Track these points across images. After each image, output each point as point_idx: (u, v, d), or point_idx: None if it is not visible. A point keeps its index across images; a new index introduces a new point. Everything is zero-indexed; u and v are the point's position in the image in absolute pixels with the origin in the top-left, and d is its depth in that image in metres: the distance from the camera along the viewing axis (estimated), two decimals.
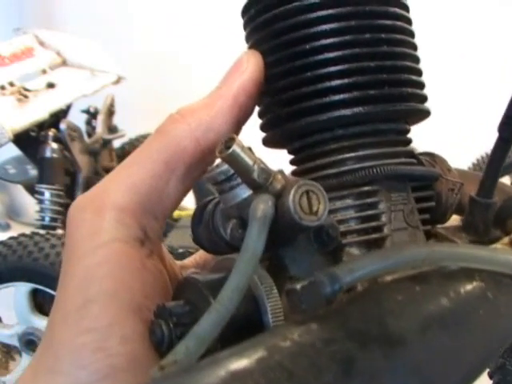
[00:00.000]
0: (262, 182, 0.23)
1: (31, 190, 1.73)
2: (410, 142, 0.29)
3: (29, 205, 1.81)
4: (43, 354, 0.24)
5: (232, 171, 0.24)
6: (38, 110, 1.55)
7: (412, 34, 0.29)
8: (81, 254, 0.25)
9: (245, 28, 0.30)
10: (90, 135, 1.76)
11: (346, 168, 0.27)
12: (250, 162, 0.23)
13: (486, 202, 0.28)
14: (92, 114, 1.78)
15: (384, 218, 0.26)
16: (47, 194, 1.57)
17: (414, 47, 0.29)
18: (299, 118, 0.27)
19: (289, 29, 0.27)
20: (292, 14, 0.27)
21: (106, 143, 1.74)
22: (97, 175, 1.68)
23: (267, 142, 0.30)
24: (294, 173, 0.29)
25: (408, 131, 0.29)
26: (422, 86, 0.29)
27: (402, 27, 0.28)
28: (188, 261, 0.33)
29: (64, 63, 1.82)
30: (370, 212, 0.26)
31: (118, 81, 1.83)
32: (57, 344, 0.24)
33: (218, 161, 0.25)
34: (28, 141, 1.59)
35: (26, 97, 1.57)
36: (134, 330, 0.24)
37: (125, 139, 1.92)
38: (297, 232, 0.24)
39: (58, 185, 1.58)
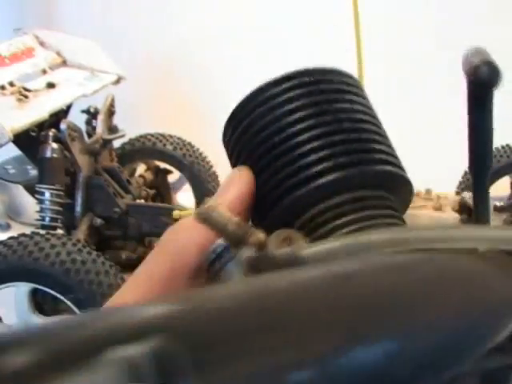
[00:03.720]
0: (240, 237, 0.24)
1: (31, 190, 1.73)
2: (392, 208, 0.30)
3: (29, 205, 1.81)
4: None
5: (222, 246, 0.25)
6: (38, 110, 1.55)
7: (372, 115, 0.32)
8: None
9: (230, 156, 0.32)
10: (90, 135, 1.75)
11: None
12: (222, 220, 0.25)
13: None
14: (92, 114, 1.78)
15: None
16: (47, 194, 1.57)
17: (375, 124, 0.31)
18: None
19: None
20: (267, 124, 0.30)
21: (106, 143, 1.74)
22: (97, 175, 1.68)
23: None
24: None
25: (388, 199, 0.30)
26: (389, 154, 0.31)
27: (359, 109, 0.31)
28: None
29: (64, 63, 1.82)
30: None
31: (118, 81, 1.83)
32: None
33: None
34: (28, 141, 1.58)
35: (26, 97, 1.57)
36: None
37: (125, 139, 1.92)
38: None
39: (58, 185, 1.58)
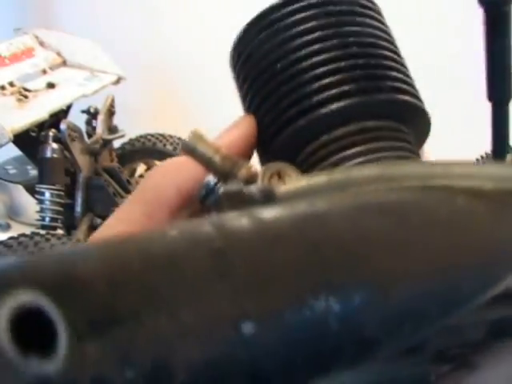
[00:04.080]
0: (227, 170, 0.23)
1: (31, 190, 1.73)
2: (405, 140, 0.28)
3: (29, 205, 1.81)
4: None
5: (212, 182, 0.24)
6: (38, 110, 1.54)
7: (387, 39, 0.29)
8: None
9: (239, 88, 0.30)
10: (90, 135, 1.75)
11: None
12: (209, 152, 0.23)
13: None
14: (92, 115, 1.78)
15: None
16: (47, 194, 1.57)
17: (391, 50, 0.29)
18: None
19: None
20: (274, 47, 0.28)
21: (106, 143, 1.74)
22: (97, 175, 1.68)
23: None
24: None
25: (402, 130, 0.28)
26: (403, 81, 0.28)
27: (371, 32, 0.28)
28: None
29: (64, 63, 1.82)
30: None
31: (118, 81, 1.83)
32: None
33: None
34: (28, 141, 1.58)
35: (26, 97, 1.57)
36: None
37: (125, 139, 1.92)
38: None
39: (58, 185, 1.58)
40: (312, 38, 0.27)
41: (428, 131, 0.29)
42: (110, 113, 1.79)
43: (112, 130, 1.79)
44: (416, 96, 0.28)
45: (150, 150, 1.95)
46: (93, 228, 1.64)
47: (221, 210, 0.23)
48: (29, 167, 1.94)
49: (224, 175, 0.23)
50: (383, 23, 0.29)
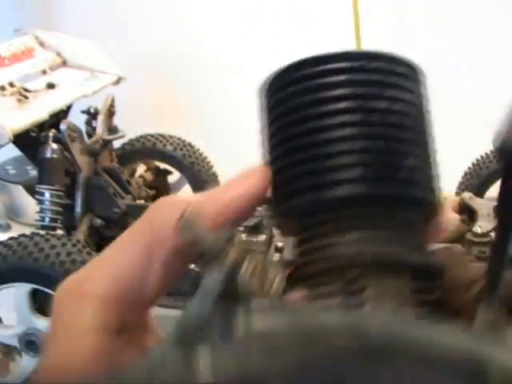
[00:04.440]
0: (214, 253, 0.23)
1: (31, 190, 1.73)
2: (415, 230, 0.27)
3: (29, 205, 1.81)
4: None
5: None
6: (38, 111, 1.55)
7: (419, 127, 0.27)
8: (57, 342, 0.26)
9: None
10: (90, 136, 1.75)
11: (332, 253, 0.25)
12: (201, 233, 0.23)
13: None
14: (92, 115, 1.78)
15: (368, 307, 0.23)
16: (47, 195, 1.57)
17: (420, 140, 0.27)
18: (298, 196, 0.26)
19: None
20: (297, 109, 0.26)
21: (106, 144, 1.74)
22: (97, 175, 1.68)
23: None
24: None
25: (411, 222, 0.26)
26: (420, 171, 0.26)
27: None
28: None
29: (64, 64, 1.82)
30: (354, 301, 0.24)
31: (118, 81, 1.83)
32: None
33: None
34: (28, 141, 1.58)
35: (26, 97, 1.57)
36: None
37: (125, 140, 1.92)
38: None
39: (58, 185, 1.58)
40: (334, 108, 0.25)
41: (437, 214, 0.28)
42: (110, 113, 1.79)
43: (112, 130, 1.79)
44: (430, 189, 0.27)
45: (150, 150, 1.95)
46: (93, 228, 1.64)
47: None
48: (29, 167, 1.95)
49: (211, 259, 0.23)
50: (419, 95, 0.27)
